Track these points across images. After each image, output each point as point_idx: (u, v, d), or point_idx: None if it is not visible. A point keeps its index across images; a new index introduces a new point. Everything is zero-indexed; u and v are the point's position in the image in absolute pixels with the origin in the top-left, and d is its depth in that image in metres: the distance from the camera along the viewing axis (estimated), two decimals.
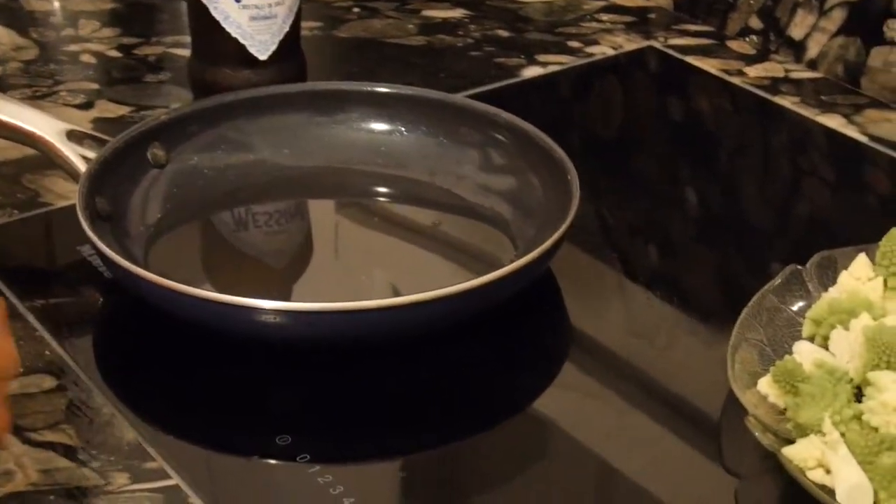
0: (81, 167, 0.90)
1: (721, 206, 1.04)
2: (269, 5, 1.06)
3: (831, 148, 1.11)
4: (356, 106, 1.00)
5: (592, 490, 0.76)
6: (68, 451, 0.75)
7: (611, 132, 1.15)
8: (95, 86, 1.13)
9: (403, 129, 1.00)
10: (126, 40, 1.21)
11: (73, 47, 1.20)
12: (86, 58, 1.18)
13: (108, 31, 1.23)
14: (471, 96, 1.08)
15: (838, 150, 1.10)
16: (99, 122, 1.07)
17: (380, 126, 1.00)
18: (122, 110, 1.09)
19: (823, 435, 0.72)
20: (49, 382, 0.81)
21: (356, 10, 1.29)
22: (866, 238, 0.87)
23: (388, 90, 1.00)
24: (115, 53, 1.19)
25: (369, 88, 1.00)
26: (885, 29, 1.14)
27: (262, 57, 1.07)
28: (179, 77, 1.14)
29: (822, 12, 1.18)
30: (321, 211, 1.00)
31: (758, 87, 1.17)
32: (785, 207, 1.04)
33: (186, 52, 1.14)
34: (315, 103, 1.00)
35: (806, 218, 1.04)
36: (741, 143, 1.12)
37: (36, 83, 1.13)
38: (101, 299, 0.89)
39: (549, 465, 0.77)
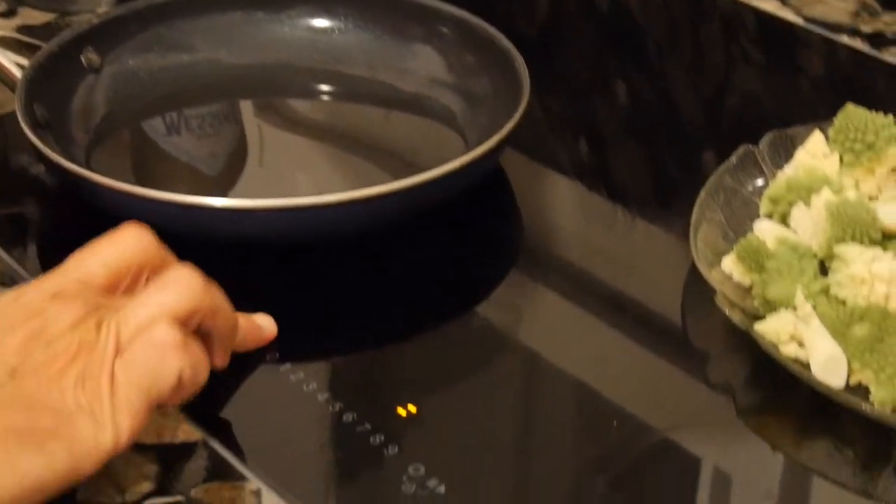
0: (17, 73, 0.88)
1: (662, 96, 1.04)
2: None
3: (767, 31, 1.10)
4: (294, 3, 0.98)
5: (548, 383, 0.76)
6: None
7: (537, 25, 1.14)
8: None
9: (342, 24, 0.98)
10: None
11: None
12: None
13: None
14: None
15: (774, 33, 1.10)
16: (24, 30, 1.03)
17: (318, 23, 0.98)
18: (47, 17, 1.06)
19: (794, 309, 0.73)
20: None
21: None
22: (808, 119, 0.87)
23: None
24: None
25: None
26: None
27: None
28: None
29: None
30: (264, 110, 0.98)
31: None
32: (727, 92, 1.04)
33: None
34: (251, 1, 0.98)
35: (749, 101, 1.03)
36: (675, 31, 1.12)
37: None
38: (46, 207, 0.87)
39: (511, 357, 0.77)
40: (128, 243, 0.68)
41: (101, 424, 0.61)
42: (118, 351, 0.63)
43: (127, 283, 0.67)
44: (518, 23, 1.12)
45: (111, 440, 0.62)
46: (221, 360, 0.69)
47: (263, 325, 0.74)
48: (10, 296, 0.66)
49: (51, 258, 0.82)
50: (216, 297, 0.67)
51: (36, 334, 0.62)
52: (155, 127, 0.95)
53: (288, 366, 0.74)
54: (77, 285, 0.66)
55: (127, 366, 0.63)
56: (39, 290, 0.65)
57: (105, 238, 0.68)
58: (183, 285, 0.65)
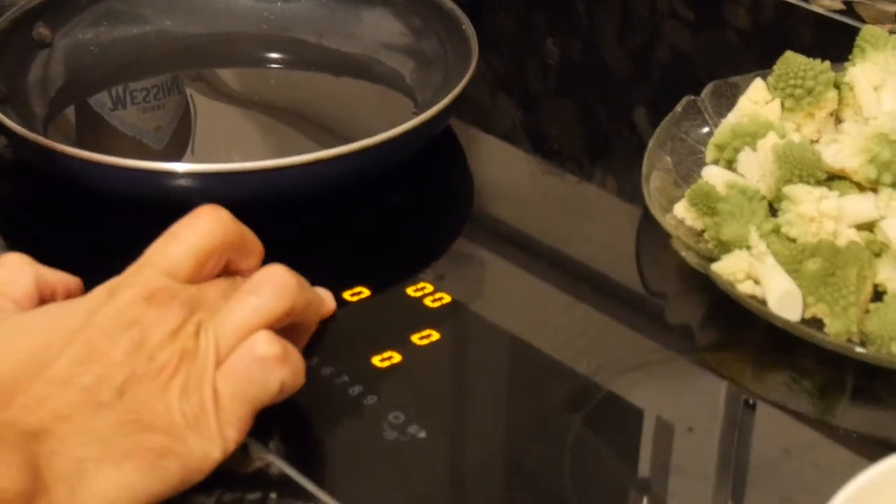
0: None
1: (596, 56, 1.07)
2: None
3: None
4: None
5: (513, 331, 0.78)
6: None
7: None
8: None
9: None
10: None
11: None
12: None
13: None
14: None
15: None
16: None
17: None
18: None
19: (748, 249, 0.76)
20: None
21: None
22: (740, 72, 0.91)
23: None
24: None
25: None
26: None
27: None
28: None
29: None
30: (212, 81, 0.99)
31: None
32: (658, 49, 1.07)
33: None
34: None
35: (681, 57, 1.07)
36: None
37: None
38: (6, 181, 0.88)
39: (474, 310, 0.79)
40: (207, 227, 0.66)
41: (210, 438, 0.62)
42: (218, 361, 0.63)
43: (211, 268, 0.67)
44: None
45: (220, 452, 0.62)
46: (302, 344, 0.69)
47: (327, 299, 0.75)
48: (102, 296, 0.64)
49: (14, 230, 0.84)
50: (307, 292, 0.67)
51: (137, 346, 0.62)
52: (101, 101, 0.96)
53: None
54: (166, 281, 0.65)
55: (229, 379, 0.63)
56: (132, 291, 0.64)
57: (183, 223, 0.67)
58: (277, 286, 0.65)
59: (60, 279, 0.69)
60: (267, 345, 0.64)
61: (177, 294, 0.64)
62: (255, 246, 0.69)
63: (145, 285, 0.64)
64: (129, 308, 0.63)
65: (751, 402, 0.72)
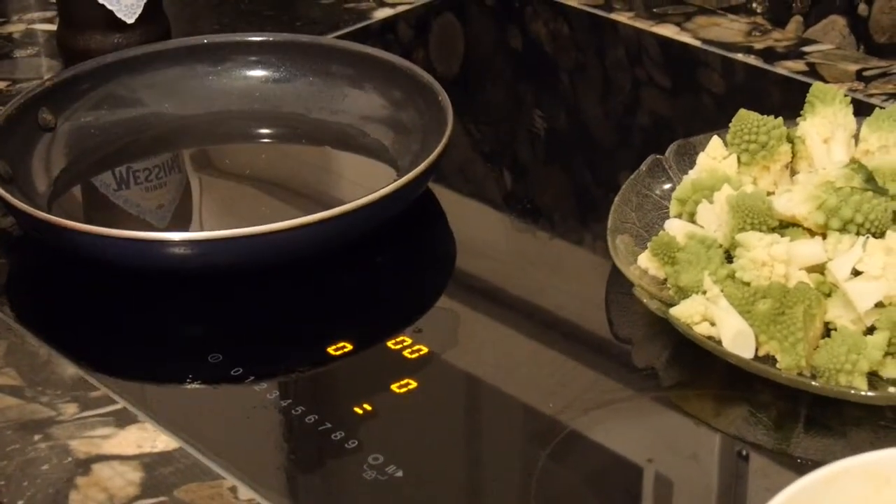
0: None
1: (576, 120, 1.12)
2: None
3: (668, 54, 1.19)
4: (231, 56, 1.06)
5: (487, 376, 0.83)
6: (15, 391, 0.80)
7: (455, 65, 1.22)
8: None
9: (276, 73, 1.06)
10: None
11: None
12: None
13: None
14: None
15: (675, 56, 1.19)
16: None
17: (255, 73, 1.06)
18: None
19: (704, 293, 0.81)
20: None
21: None
22: (711, 129, 0.96)
23: (264, 38, 1.07)
24: None
25: (246, 38, 1.07)
26: None
27: (130, 20, 1.12)
28: (48, 49, 1.18)
29: None
30: (208, 157, 1.05)
31: (592, 6, 1.25)
32: (635, 112, 1.13)
33: (50, 27, 1.19)
34: (193, 56, 1.06)
35: (656, 119, 1.12)
36: (583, 59, 1.20)
37: None
38: (12, 256, 0.93)
39: (453, 359, 0.84)
40: None
41: None
42: None
43: None
44: (439, 65, 1.20)
45: None
46: None
47: None
48: None
49: (27, 301, 0.90)
50: None
51: None
52: (106, 182, 1.02)
53: (252, 378, 0.81)
54: None
55: None
56: None
57: None
58: None
59: None
60: None
61: None
62: None
63: None
64: None
65: (743, 452, 0.76)
